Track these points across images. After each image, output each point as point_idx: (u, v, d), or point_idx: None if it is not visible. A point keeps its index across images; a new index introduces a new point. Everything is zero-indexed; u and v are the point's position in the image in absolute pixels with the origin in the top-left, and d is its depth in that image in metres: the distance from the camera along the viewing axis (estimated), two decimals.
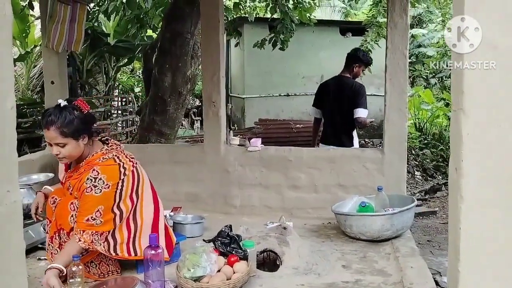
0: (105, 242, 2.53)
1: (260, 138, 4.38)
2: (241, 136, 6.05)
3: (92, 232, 2.46)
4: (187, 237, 3.14)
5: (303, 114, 11.05)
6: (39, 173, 3.43)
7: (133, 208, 2.60)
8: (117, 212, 2.52)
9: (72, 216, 2.54)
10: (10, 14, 1.29)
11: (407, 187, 6.56)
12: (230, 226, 2.75)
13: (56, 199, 2.70)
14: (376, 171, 3.93)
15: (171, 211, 3.70)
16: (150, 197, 2.70)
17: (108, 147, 2.64)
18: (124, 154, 2.63)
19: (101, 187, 2.45)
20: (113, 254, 2.56)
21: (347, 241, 3.35)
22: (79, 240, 2.44)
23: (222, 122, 4.17)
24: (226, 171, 4.18)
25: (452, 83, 1.40)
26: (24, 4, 7.27)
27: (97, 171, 2.47)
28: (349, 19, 14.41)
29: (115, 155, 2.57)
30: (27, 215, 2.98)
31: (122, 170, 2.52)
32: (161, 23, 7.30)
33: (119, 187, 2.51)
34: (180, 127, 9.89)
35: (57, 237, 2.59)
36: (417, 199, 6.06)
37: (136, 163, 2.65)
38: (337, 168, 4.02)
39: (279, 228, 3.18)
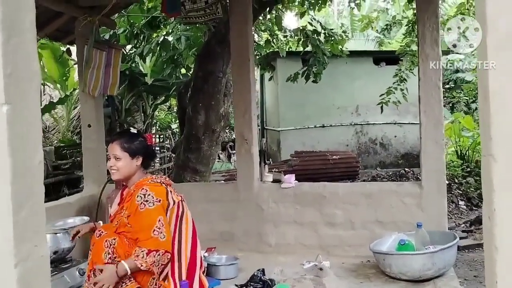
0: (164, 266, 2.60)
1: (294, 174, 4.33)
2: (276, 170, 6.01)
3: (156, 253, 2.51)
4: (221, 280, 3.09)
5: (339, 145, 10.92)
6: (75, 217, 3.48)
7: (177, 241, 2.70)
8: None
9: (105, 253, 2.58)
10: (37, 71, 1.35)
11: (451, 218, 6.28)
12: (263, 270, 2.70)
13: (102, 232, 2.76)
14: (415, 206, 3.78)
15: (205, 252, 3.67)
16: (190, 235, 2.79)
17: (158, 176, 2.86)
18: (173, 189, 2.80)
19: (153, 201, 2.61)
20: (161, 281, 2.62)
21: (387, 281, 3.21)
22: (141, 265, 2.50)
23: (255, 159, 4.17)
24: (260, 209, 4.13)
25: (480, 128, 1.32)
26: (64, 50, 7.61)
27: (145, 189, 2.66)
28: (383, 48, 14.31)
29: (163, 182, 2.77)
30: (63, 260, 3.03)
31: (170, 195, 2.70)
32: (194, 63, 7.46)
33: (167, 209, 2.65)
34: (217, 160, 9.93)
35: (92, 275, 2.61)
36: (462, 231, 5.82)
37: (183, 200, 2.79)
38: (374, 204, 3.90)
39: (315, 269, 3.10)
